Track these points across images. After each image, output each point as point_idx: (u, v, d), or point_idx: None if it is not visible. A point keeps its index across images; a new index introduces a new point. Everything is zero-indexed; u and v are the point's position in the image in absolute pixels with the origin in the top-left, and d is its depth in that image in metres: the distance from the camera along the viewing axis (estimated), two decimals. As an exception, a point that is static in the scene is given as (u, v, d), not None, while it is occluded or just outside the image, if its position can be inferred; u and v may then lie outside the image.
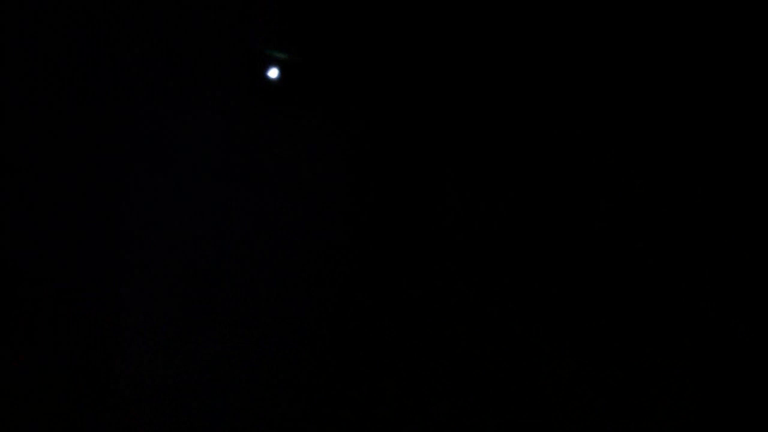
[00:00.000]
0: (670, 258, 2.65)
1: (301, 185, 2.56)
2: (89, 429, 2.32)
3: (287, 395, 2.70)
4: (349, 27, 2.66)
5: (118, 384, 2.35)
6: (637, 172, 2.75)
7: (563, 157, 2.94)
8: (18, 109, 2.20)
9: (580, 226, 2.88)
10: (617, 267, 2.77)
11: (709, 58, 2.55)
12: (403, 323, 2.94)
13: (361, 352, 2.84)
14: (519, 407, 2.94)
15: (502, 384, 3.00)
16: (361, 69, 2.75)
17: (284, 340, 2.70)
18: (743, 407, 2.42)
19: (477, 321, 3.04)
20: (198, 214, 2.40)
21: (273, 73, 2.39)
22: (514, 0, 2.88)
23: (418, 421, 2.95)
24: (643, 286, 2.71)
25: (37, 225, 2.26)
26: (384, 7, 2.75)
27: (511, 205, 3.06)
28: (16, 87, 2.17)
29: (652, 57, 2.69)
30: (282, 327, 2.70)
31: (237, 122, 2.38)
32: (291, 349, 2.70)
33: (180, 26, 2.29)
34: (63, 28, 2.19)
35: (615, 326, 2.75)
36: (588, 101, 2.86)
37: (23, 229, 2.24)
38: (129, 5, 2.25)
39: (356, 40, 2.70)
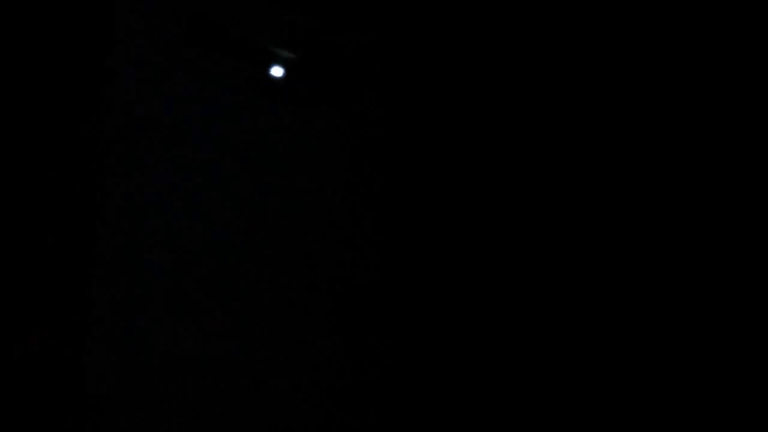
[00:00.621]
0: (669, 258, 2.67)
1: (304, 184, 2.54)
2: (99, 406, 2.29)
3: (300, 378, 2.68)
4: (354, 26, 2.65)
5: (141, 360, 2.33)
6: (637, 172, 2.76)
7: (563, 158, 2.95)
8: (25, 93, 2.16)
9: (580, 226, 2.89)
10: (617, 267, 2.78)
11: (710, 58, 2.57)
12: (406, 315, 2.93)
13: (365, 342, 2.83)
14: (519, 407, 2.94)
15: (501, 384, 3.00)
16: (366, 69, 2.74)
17: (288, 329, 2.68)
18: (743, 407, 2.44)
19: (477, 317, 3.04)
20: (202, 212, 2.38)
21: (277, 71, 2.38)
22: (519, 2, 2.88)
23: (420, 421, 2.94)
24: (642, 286, 2.72)
25: (49, 209, 2.23)
26: (388, 7, 2.74)
27: (512, 203, 3.06)
28: (24, 70, 2.14)
29: (652, 59, 2.71)
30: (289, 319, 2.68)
31: (240, 121, 2.36)
32: (292, 348, 2.68)
33: (184, 23, 2.27)
34: (66, 21, 2.16)
35: (614, 326, 2.76)
36: (588, 103, 2.87)
37: (36, 211, 2.21)
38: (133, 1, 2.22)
39: (360, 39, 2.68)
